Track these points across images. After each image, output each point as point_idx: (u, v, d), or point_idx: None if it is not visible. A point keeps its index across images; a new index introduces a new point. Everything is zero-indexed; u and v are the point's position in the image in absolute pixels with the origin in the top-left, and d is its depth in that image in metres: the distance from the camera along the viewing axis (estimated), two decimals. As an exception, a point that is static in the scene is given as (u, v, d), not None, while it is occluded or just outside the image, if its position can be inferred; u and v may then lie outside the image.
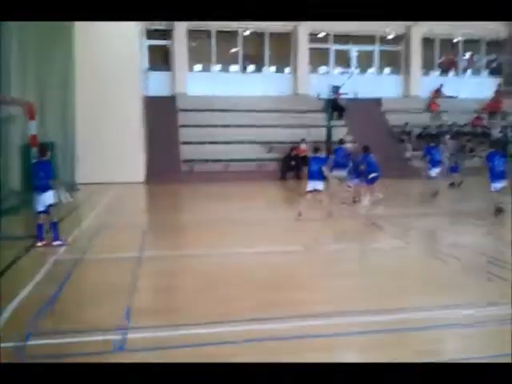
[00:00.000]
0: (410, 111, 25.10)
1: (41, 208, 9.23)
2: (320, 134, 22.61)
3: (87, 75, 18.62)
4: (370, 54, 26.54)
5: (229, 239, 10.03)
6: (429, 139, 23.69)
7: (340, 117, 23.90)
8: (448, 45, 27.10)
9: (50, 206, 9.27)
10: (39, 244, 9.20)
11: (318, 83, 24.86)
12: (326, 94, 23.80)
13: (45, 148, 9.46)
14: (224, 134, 22.53)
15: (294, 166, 21.24)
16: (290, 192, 18.43)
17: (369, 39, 26.11)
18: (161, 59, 24.79)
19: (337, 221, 11.74)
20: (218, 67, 25.35)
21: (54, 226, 9.29)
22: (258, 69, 25.81)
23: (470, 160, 23.33)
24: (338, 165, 14.43)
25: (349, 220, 12.13)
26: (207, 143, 22.18)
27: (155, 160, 20.90)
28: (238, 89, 24.54)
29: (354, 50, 26.02)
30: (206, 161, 21.51)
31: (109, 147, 18.83)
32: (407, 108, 25.26)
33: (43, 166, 9.24)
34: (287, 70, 25.70)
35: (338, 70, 25.92)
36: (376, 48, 26.16)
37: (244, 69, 25.63)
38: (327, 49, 25.74)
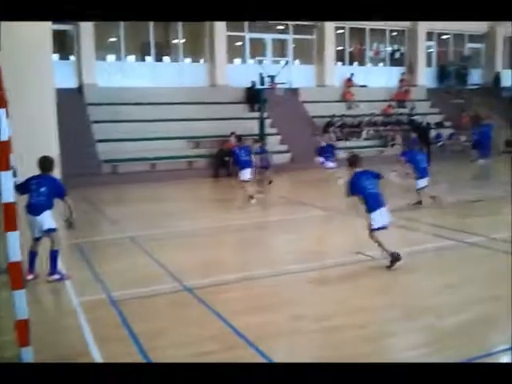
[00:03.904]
0: (328, 101, 24.86)
1: (37, 234, 7.12)
2: (245, 127, 21.46)
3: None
4: (283, 42, 25.81)
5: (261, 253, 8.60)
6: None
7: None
8: (356, 34, 27.29)
9: (49, 230, 7.16)
10: (29, 277, 7.08)
11: (236, 73, 23.69)
12: (246, 84, 22.84)
13: (51, 162, 7.36)
14: (145, 130, 20.38)
15: (227, 161, 19.83)
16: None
17: (282, 28, 25.39)
18: (63, 46, 21.78)
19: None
20: (129, 57, 22.97)
21: (54, 256, 7.18)
22: (172, 58, 23.84)
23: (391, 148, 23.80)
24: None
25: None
26: (127, 140, 19.89)
27: (70, 162, 18.16)
28: (152, 80, 22.51)
29: (268, 39, 25.07)
30: (130, 160, 19.28)
31: (19, 147, 15.88)
32: (324, 98, 24.99)
33: (47, 181, 7.19)
34: (202, 59, 24.04)
35: (255, 59, 24.72)
36: (289, 37, 25.47)
37: (157, 58, 23.43)
38: (243, 37, 24.47)
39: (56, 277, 7.16)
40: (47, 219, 7.16)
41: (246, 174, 13.42)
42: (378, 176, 7.53)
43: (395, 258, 7.28)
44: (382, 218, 7.34)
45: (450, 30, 28.63)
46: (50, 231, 7.22)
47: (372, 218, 7.33)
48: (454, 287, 6.58)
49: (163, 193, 16.28)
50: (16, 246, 4.47)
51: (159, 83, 22.39)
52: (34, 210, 7.10)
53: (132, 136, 19.95)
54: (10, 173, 4.42)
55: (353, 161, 7.59)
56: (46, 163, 7.26)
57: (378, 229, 7.36)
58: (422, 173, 11.84)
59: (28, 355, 4.52)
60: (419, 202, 11.95)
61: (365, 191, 7.33)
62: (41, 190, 7.10)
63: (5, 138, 4.43)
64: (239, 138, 16.64)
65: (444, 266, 7.70)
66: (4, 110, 4.48)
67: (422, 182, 11.87)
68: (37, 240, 7.24)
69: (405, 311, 5.86)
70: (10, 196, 4.42)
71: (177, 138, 20.72)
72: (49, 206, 7.21)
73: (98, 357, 4.83)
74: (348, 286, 6.88)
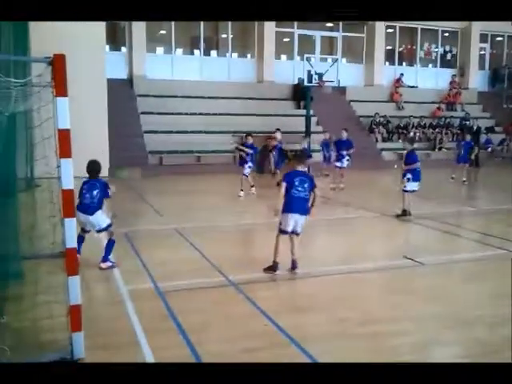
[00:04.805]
0: (375, 101, 24.55)
1: (88, 228, 7.51)
2: (291, 124, 21.39)
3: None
4: (332, 40, 25.59)
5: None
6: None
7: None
8: (406, 34, 26.82)
9: (105, 228, 7.50)
10: None
11: (282, 70, 23.68)
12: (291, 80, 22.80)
13: (99, 166, 7.65)
14: (190, 123, 20.63)
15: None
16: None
17: (332, 25, 25.17)
18: (114, 38, 22.20)
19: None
20: (177, 50, 23.23)
21: (111, 244, 7.47)
22: (220, 53, 23.99)
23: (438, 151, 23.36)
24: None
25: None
26: (173, 133, 20.16)
27: (118, 152, 18.54)
28: (200, 74, 22.73)
29: (317, 36, 24.89)
30: (176, 152, 19.54)
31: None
32: (371, 97, 24.67)
33: (98, 184, 7.49)
34: (249, 55, 24.09)
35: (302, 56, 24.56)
36: (339, 34, 25.22)
37: (205, 53, 23.63)
38: (291, 34, 24.37)
39: (108, 264, 7.35)
40: (101, 218, 7.40)
41: (246, 169, 14.26)
42: (312, 185, 7.08)
43: (273, 267, 7.12)
44: (292, 224, 7.01)
45: (504, 32, 27.77)
46: (105, 229, 7.48)
47: (283, 218, 7.00)
48: (506, 298, 6.36)
49: (207, 186, 16.38)
50: (73, 233, 4.55)
51: (206, 77, 22.57)
52: (88, 210, 7.31)
53: (178, 128, 20.22)
54: (70, 160, 4.50)
55: (298, 157, 7.39)
56: (96, 167, 7.54)
57: (286, 232, 7.08)
58: (417, 176, 11.03)
59: (80, 340, 4.62)
60: (405, 212, 11.03)
61: (293, 190, 6.93)
62: (94, 193, 7.33)
63: (67, 126, 4.52)
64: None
65: (493, 275, 7.46)
66: (67, 98, 4.57)
67: (413, 186, 11.03)
68: (86, 232, 7.51)
69: (452, 320, 5.69)
70: (69, 183, 4.50)
71: (222, 132, 20.85)
72: (101, 207, 7.46)
73: (146, 347, 4.87)
74: (394, 291, 6.75)
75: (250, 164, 14.41)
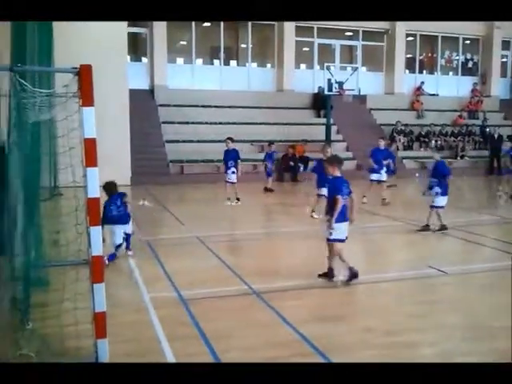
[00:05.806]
0: (396, 109, 24.43)
1: (117, 241, 8.17)
2: (311, 133, 21.41)
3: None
4: (352, 48, 25.58)
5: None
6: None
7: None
8: (428, 41, 26.69)
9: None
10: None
11: (302, 79, 23.74)
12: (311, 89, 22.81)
13: (115, 185, 8.36)
14: (211, 132, 20.73)
15: (292, 166, 19.83)
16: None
17: (352, 33, 25.16)
18: (136, 48, 22.49)
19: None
20: (198, 60, 23.44)
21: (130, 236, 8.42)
22: (240, 63, 24.14)
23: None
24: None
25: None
26: (194, 142, 20.29)
27: (140, 160, 18.71)
28: (220, 83, 22.90)
29: (337, 45, 24.90)
30: (196, 161, 19.65)
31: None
32: (392, 106, 24.56)
33: (119, 197, 8.31)
34: (269, 64, 24.19)
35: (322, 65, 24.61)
36: (359, 43, 25.20)
37: (225, 62, 23.81)
38: (311, 43, 24.42)
39: (132, 252, 8.43)
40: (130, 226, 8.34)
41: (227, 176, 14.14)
42: (349, 190, 6.96)
43: (330, 274, 7.09)
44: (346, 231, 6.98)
45: (527, 38, 27.52)
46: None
47: (339, 228, 6.86)
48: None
49: (228, 194, 16.38)
50: (99, 240, 4.60)
51: (226, 87, 22.72)
52: (120, 220, 8.05)
53: (199, 138, 20.36)
54: (96, 169, 4.55)
55: (336, 161, 7.15)
56: (112, 187, 8.22)
57: (339, 240, 6.96)
58: (446, 189, 10.23)
59: (104, 346, 4.66)
60: (444, 227, 10.33)
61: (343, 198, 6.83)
62: (118, 203, 8.11)
63: (93, 135, 4.58)
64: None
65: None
66: (93, 108, 4.63)
67: (444, 201, 10.24)
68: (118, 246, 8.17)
69: (478, 331, 5.61)
70: (95, 191, 4.56)
71: (242, 141, 20.84)
72: (130, 215, 8.30)
73: (169, 354, 4.89)
74: (419, 301, 6.68)
75: (233, 170, 14.05)
